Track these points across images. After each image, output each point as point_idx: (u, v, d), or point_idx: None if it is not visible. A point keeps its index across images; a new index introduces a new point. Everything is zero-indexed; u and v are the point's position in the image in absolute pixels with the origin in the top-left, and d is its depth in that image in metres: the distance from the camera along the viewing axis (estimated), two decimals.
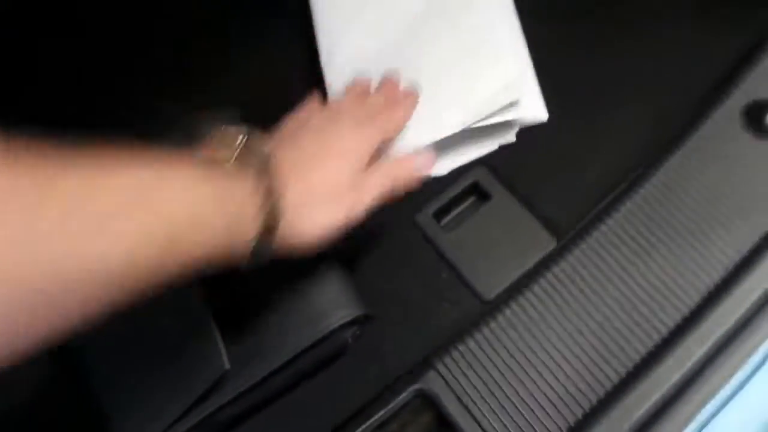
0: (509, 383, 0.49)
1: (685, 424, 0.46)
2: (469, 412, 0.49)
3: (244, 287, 0.51)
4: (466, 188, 0.59)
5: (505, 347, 0.51)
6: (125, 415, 0.50)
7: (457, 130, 0.56)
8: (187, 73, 0.67)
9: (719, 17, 0.62)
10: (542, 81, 0.61)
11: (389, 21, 0.63)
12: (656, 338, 0.49)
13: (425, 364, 0.51)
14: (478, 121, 0.56)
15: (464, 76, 0.58)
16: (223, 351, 0.50)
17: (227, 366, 0.50)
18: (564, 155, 0.59)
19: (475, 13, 0.61)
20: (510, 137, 0.59)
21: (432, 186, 0.59)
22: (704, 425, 0.47)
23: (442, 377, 0.50)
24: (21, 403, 0.54)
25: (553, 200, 0.58)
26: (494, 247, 0.57)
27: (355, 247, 0.58)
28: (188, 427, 0.50)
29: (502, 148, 0.60)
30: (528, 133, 0.60)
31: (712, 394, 0.47)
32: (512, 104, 0.57)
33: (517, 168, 0.59)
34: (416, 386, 0.50)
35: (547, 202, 0.58)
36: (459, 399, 0.49)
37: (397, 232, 0.59)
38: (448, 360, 0.51)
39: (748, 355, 0.47)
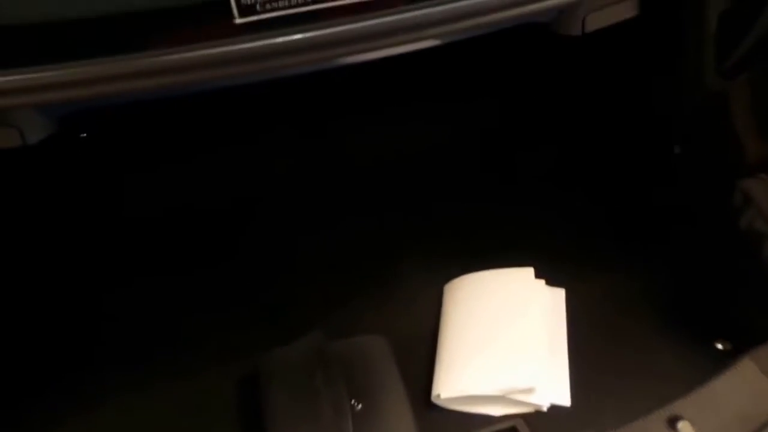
0: None
1: None
2: None
3: None
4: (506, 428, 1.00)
5: None
6: None
7: (482, 393, 0.98)
8: None
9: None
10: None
11: None
12: None
13: None
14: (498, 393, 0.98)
15: (501, 357, 1.02)
16: None
17: None
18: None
19: (528, 312, 1.07)
20: (543, 406, 1.00)
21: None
22: None
23: None
24: None
25: None
26: None
27: None
28: None
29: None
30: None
31: None
32: (530, 389, 0.98)
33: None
34: None
35: None
36: None
37: None
38: None
39: None
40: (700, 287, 1.11)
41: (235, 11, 0.76)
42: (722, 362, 1.01)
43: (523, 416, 0.99)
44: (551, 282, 1.14)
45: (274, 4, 0.77)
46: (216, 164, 1.38)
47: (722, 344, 1.05)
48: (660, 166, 1.15)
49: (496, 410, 1.00)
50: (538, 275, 1.14)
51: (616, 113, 1.24)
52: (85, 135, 1.27)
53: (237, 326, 1.14)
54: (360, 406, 0.98)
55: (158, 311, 1.19)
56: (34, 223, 1.29)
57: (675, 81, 1.03)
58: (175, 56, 0.74)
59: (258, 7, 0.77)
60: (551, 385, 1.01)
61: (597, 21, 0.90)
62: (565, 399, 1.01)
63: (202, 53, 0.75)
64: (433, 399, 1.02)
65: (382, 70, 1.10)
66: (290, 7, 0.76)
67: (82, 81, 0.73)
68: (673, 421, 0.89)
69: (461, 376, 1.02)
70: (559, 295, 1.13)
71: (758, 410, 0.88)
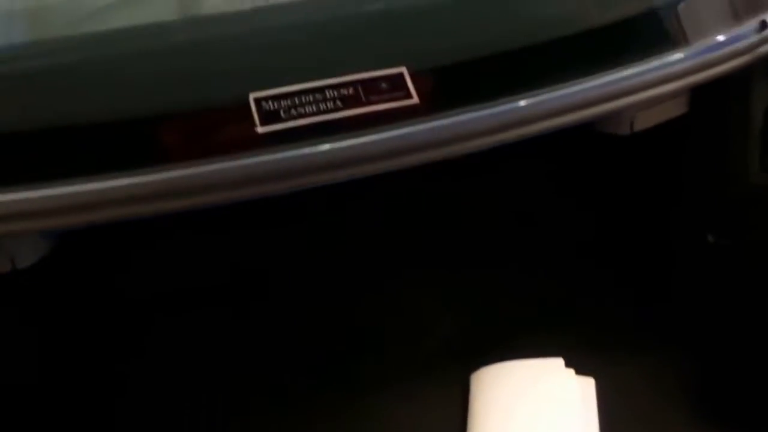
0: None
1: None
2: None
3: None
4: None
5: None
6: None
7: None
8: None
9: None
10: None
11: None
12: None
13: None
14: None
15: None
16: None
17: None
18: None
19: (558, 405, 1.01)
20: None
21: None
22: None
23: None
24: None
25: None
26: None
27: None
28: None
29: None
30: None
31: None
32: None
33: None
34: None
35: None
36: None
37: None
38: None
39: None
40: (736, 379, 1.06)
41: (256, 118, 0.69)
42: None
43: None
44: (581, 368, 1.08)
45: (300, 110, 0.70)
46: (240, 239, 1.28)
47: None
48: (694, 254, 1.09)
49: None
50: (567, 362, 1.07)
51: (653, 198, 1.18)
52: None
53: (254, 411, 1.08)
54: None
55: (173, 398, 1.12)
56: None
57: (718, 173, 0.97)
58: (192, 170, 0.67)
59: (282, 114, 0.70)
60: None
61: (646, 120, 0.84)
62: None
63: (219, 167, 0.67)
64: None
65: None
66: (317, 113, 0.70)
67: (86, 204, 0.64)
68: None
69: None
70: (589, 385, 1.06)
71: None
